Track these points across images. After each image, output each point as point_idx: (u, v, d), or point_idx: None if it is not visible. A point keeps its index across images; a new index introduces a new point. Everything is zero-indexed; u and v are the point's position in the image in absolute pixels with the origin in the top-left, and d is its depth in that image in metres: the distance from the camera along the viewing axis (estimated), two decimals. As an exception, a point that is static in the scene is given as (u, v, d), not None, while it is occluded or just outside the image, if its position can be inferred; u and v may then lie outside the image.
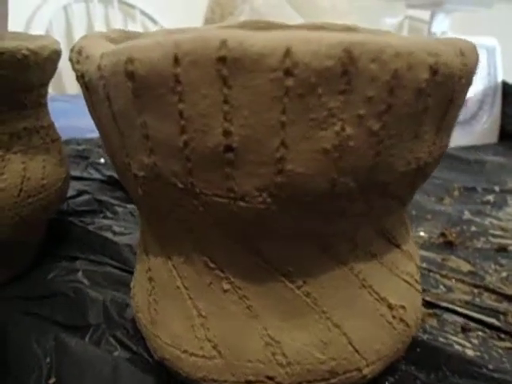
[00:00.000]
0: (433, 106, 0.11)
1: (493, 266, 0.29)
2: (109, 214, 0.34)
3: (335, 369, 0.14)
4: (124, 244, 0.28)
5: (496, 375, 0.17)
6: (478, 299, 0.25)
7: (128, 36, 0.17)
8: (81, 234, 0.30)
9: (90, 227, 0.31)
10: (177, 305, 0.15)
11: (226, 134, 0.10)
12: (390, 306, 0.15)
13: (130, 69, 0.10)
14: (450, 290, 0.26)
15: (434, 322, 0.23)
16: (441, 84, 0.10)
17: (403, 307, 0.15)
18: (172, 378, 0.16)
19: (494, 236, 0.33)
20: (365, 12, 0.87)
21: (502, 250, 0.31)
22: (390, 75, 0.09)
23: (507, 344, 0.21)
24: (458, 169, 0.50)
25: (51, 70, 0.26)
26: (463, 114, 0.66)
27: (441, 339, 0.21)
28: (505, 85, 0.66)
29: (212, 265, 0.13)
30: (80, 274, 0.26)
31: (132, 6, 1.37)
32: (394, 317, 0.15)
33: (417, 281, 0.17)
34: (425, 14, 0.80)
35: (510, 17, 0.84)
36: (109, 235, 0.30)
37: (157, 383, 0.17)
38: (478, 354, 0.20)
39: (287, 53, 0.09)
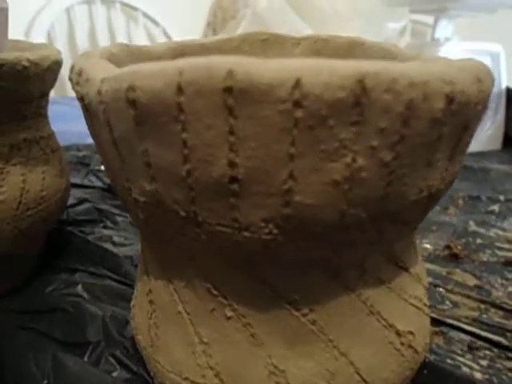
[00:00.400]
0: (447, 134, 0.10)
1: (499, 281, 0.29)
2: (109, 224, 0.33)
3: (341, 398, 0.13)
4: (124, 256, 0.28)
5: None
6: (484, 315, 0.25)
7: (130, 50, 0.17)
8: (80, 245, 0.30)
9: (90, 237, 0.31)
10: (178, 330, 0.14)
11: (232, 164, 0.09)
12: (398, 333, 0.14)
13: (131, 96, 0.09)
14: (456, 305, 0.26)
15: (440, 340, 0.22)
16: (457, 112, 0.10)
17: (412, 333, 0.15)
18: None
19: (500, 249, 0.33)
20: (367, 16, 0.86)
21: (509, 264, 0.30)
22: (404, 106, 0.09)
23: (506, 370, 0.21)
24: (463, 177, 0.50)
25: (52, 81, 0.25)
26: (467, 121, 0.65)
27: (448, 360, 0.20)
28: (509, 91, 0.65)
29: (215, 291, 0.13)
30: (79, 287, 0.26)
31: (134, 8, 1.37)
32: (402, 343, 0.14)
33: (425, 304, 0.16)
34: (429, 18, 0.80)
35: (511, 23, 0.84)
36: (109, 246, 0.29)
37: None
38: (487, 376, 0.19)
39: (297, 84, 0.08)
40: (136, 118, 0.10)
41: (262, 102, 0.08)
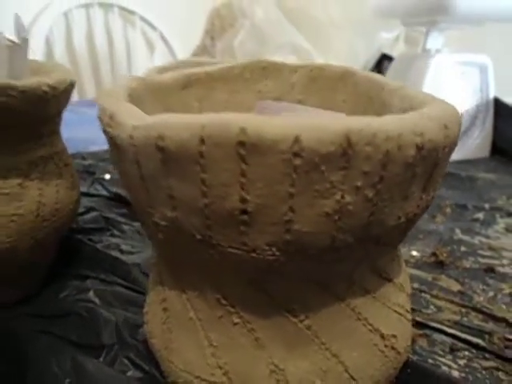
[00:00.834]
0: (419, 173, 0.12)
1: (481, 286, 0.31)
2: (116, 232, 0.35)
3: (333, 393, 0.16)
4: (132, 263, 0.30)
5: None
6: (465, 319, 0.27)
7: (145, 83, 0.19)
8: (90, 253, 0.31)
9: (99, 246, 0.32)
10: (190, 334, 0.16)
11: (242, 200, 0.11)
12: (383, 336, 0.16)
13: (160, 144, 0.11)
14: (439, 309, 0.28)
15: (424, 342, 0.25)
16: (426, 157, 0.12)
17: (395, 336, 0.17)
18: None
19: (483, 256, 0.35)
20: (361, 26, 0.89)
21: (490, 270, 0.33)
22: (382, 155, 0.11)
23: (491, 363, 0.23)
24: (451, 185, 0.52)
25: (66, 100, 0.27)
26: (456, 129, 0.68)
27: (430, 360, 0.22)
28: (496, 101, 0.68)
29: (224, 301, 0.15)
30: (91, 293, 0.27)
31: (132, 12, 1.38)
32: (386, 346, 0.17)
33: (407, 310, 0.18)
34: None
35: (501, 35, 0.87)
36: (117, 254, 0.31)
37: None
38: (463, 374, 0.21)
39: (296, 140, 0.10)
40: (163, 160, 0.12)
41: (268, 153, 0.10)
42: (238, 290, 0.14)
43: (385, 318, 0.17)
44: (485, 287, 0.31)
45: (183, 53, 1.36)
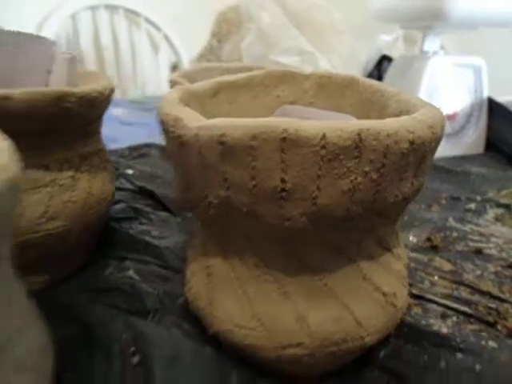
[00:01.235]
0: (411, 162, 0.16)
1: (470, 266, 0.35)
2: (144, 221, 0.39)
3: (345, 337, 0.20)
4: (163, 246, 0.34)
5: (462, 345, 0.23)
6: (455, 292, 0.31)
7: (187, 91, 0.23)
8: (125, 238, 0.36)
9: (131, 232, 0.37)
10: (231, 292, 0.20)
11: (282, 181, 0.15)
12: (384, 294, 0.21)
13: (222, 140, 0.15)
14: (433, 284, 0.32)
15: (419, 310, 0.29)
16: (416, 149, 0.16)
17: (394, 295, 0.21)
18: (223, 346, 0.22)
19: (473, 240, 0.39)
20: (362, 29, 0.93)
21: (478, 252, 0.37)
22: (384, 147, 0.15)
23: (475, 327, 0.27)
24: (447, 179, 0.56)
25: (108, 103, 0.31)
26: (452, 127, 0.72)
27: (423, 322, 0.27)
28: (490, 101, 0.72)
29: (260, 263, 0.19)
30: (131, 271, 0.32)
31: (137, 14, 1.42)
32: (386, 301, 0.21)
33: (404, 277, 0.23)
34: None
35: (494, 38, 0.91)
36: (149, 239, 0.35)
37: (211, 351, 0.22)
38: (451, 331, 0.25)
39: (323, 137, 0.14)
40: (222, 152, 0.16)
41: (302, 146, 0.15)
42: (272, 253, 0.19)
43: (386, 280, 0.21)
44: (473, 267, 0.35)
45: (186, 53, 1.40)
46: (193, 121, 0.17)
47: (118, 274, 0.31)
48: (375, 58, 0.98)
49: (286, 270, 0.19)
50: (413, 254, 0.37)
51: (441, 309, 0.29)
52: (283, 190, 0.16)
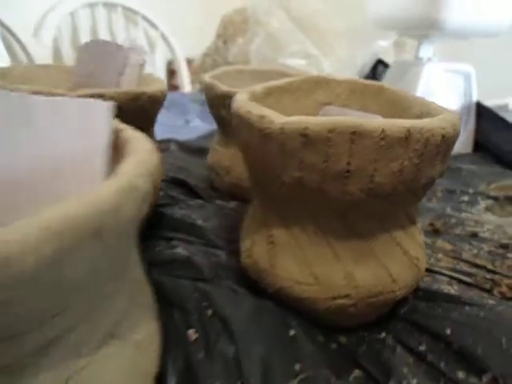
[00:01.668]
0: (441, 151, 0.22)
1: (467, 246, 0.41)
2: (183, 206, 0.44)
3: (382, 290, 0.25)
4: (204, 228, 0.39)
5: (468, 301, 0.29)
6: (457, 266, 0.37)
7: (252, 94, 0.28)
8: (169, 221, 0.40)
9: (174, 216, 0.41)
10: (291, 256, 0.26)
11: (348, 164, 0.21)
12: (411, 257, 0.26)
13: (304, 132, 0.20)
14: (438, 260, 0.38)
15: (429, 278, 0.34)
16: (445, 141, 0.21)
17: (418, 259, 0.27)
18: (284, 301, 0.27)
19: (469, 226, 0.45)
20: (358, 34, 0.99)
21: (474, 235, 0.43)
22: (425, 139, 0.20)
23: (476, 292, 0.33)
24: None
25: (163, 101, 0.36)
26: (444, 128, 0.78)
27: (434, 286, 0.32)
28: (478, 105, 0.79)
29: (319, 231, 0.24)
30: (180, 248, 0.36)
31: (135, 12, 1.45)
32: (412, 263, 0.26)
33: (423, 246, 0.28)
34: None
35: (483, 47, 0.98)
36: (191, 221, 0.40)
37: (272, 305, 0.27)
38: (458, 293, 0.31)
39: (382, 131, 0.20)
40: (303, 142, 0.21)
41: (366, 138, 0.20)
42: (329, 222, 0.24)
43: (412, 246, 0.26)
44: (470, 247, 0.41)
45: (182, 51, 1.43)
46: (277, 117, 0.22)
47: (167, 251, 0.36)
48: (371, 62, 1.04)
49: (339, 236, 0.24)
50: (419, 237, 0.42)
51: (447, 278, 0.35)
52: (348, 171, 0.21)
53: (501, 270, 0.37)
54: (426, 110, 0.27)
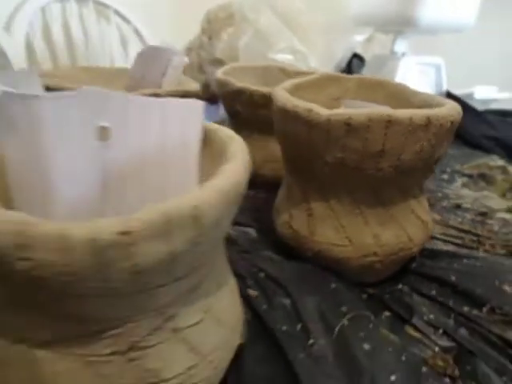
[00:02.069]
0: (449, 133, 0.28)
1: (453, 216, 0.48)
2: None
3: (402, 248, 0.31)
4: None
5: (464, 255, 0.36)
6: (448, 232, 0.44)
7: (287, 89, 0.33)
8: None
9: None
10: (329, 224, 0.31)
11: (383, 145, 0.26)
12: (422, 221, 0.32)
13: (348, 122, 0.26)
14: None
15: (429, 242, 0.41)
16: (453, 126, 0.28)
17: (427, 222, 0.33)
18: (321, 263, 0.33)
19: (452, 199, 0.53)
20: (337, 30, 1.05)
21: (458, 207, 0.51)
22: (439, 124, 0.26)
23: (466, 250, 0.40)
24: (421, 157, 0.70)
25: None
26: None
27: (435, 246, 0.39)
28: (448, 94, 0.87)
29: (353, 202, 0.30)
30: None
31: (106, 6, 1.44)
32: (424, 226, 0.33)
33: (429, 212, 0.35)
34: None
35: (451, 41, 1.07)
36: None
37: (311, 266, 0.33)
38: (454, 251, 0.38)
39: (410, 119, 0.25)
40: (347, 129, 0.26)
41: (398, 124, 0.26)
42: (362, 194, 0.30)
43: (422, 213, 0.33)
44: (455, 216, 0.48)
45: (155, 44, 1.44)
46: (321, 110, 0.27)
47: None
48: (347, 56, 1.11)
49: (368, 205, 0.30)
50: (412, 210, 0.49)
51: (441, 242, 0.42)
52: (382, 151, 0.27)
53: (483, 233, 0.44)
54: (427, 100, 0.34)
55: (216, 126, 0.24)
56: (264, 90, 0.45)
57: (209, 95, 0.92)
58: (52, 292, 0.14)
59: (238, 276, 0.32)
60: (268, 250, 0.37)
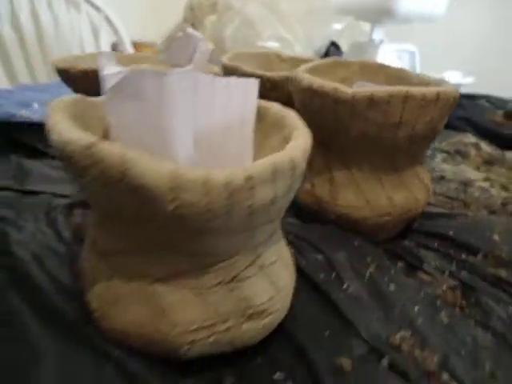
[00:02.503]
0: (452, 108, 0.33)
1: (438, 186, 0.55)
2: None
3: (410, 208, 0.37)
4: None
5: (457, 214, 0.42)
6: (437, 198, 0.50)
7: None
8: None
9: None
10: (350, 190, 0.36)
11: (400, 117, 0.31)
12: (425, 185, 0.38)
13: (371, 97, 0.31)
14: (423, 196, 0.51)
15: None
16: (455, 101, 0.33)
17: (429, 185, 0.38)
18: (342, 224, 0.37)
19: (436, 172, 0.59)
20: (317, 18, 1.10)
21: (442, 178, 0.57)
22: (446, 99, 0.32)
23: (456, 212, 0.46)
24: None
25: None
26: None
27: (430, 210, 0.45)
28: (422, 79, 0.94)
29: (372, 169, 0.35)
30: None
31: (76, -6, 1.41)
32: (426, 189, 0.38)
33: (429, 177, 0.40)
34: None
35: (424, 29, 1.15)
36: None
37: (332, 228, 0.37)
38: (448, 211, 0.44)
39: (423, 95, 0.30)
40: (369, 103, 0.31)
41: (414, 99, 0.30)
42: (380, 162, 0.34)
43: (425, 177, 0.38)
44: (441, 186, 0.55)
45: (127, 33, 1.43)
46: (345, 88, 0.32)
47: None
48: (326, 43, 1.16)
49: (384, 171, 0.35)
50: (404, 182, 0.55)
51: (434, 207, 0.48)
52: (399, 122, 0.31)
53: (466, 199, 0.51)
54: (425, 81, 0.39)
55: (268, 102, 0.28)
56: (270, 74, 0.48)
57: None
58: (187, 231, 0.18)
59: (271, 238, 0.36)
60: (291, 217, 0.41)
